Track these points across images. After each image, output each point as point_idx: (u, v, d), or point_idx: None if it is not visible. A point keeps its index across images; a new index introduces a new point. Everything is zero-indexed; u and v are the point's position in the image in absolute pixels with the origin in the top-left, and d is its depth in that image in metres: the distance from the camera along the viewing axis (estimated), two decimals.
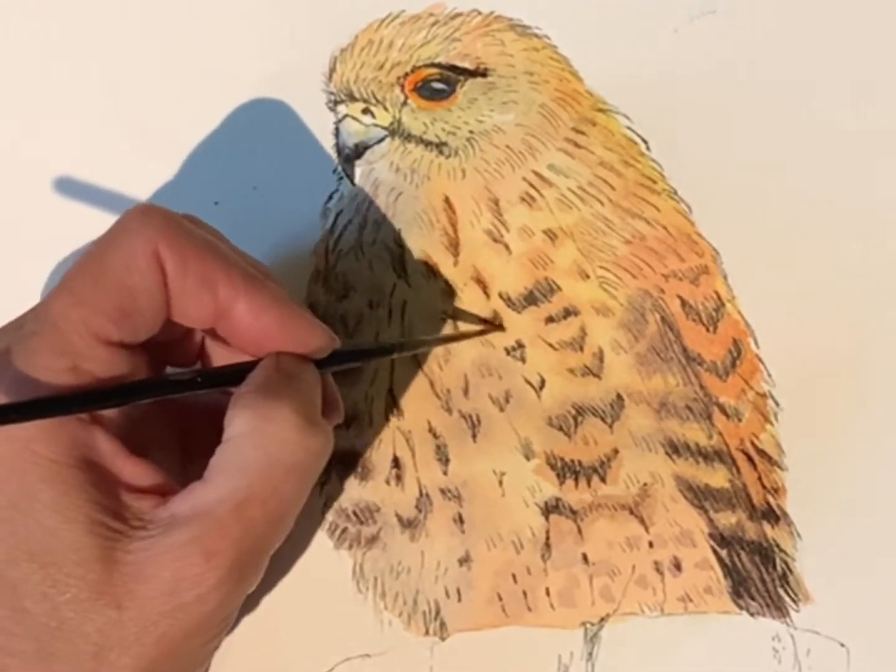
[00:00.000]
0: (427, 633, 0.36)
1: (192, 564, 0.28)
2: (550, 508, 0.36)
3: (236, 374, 0.31)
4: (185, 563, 0.28)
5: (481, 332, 0.37)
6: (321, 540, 0.37)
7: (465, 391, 0.37)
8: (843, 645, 0.36)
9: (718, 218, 0.37)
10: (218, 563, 0.28)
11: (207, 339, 0.33)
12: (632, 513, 0.36)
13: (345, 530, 0.37)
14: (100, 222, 0.39)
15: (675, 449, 0.36)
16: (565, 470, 0.36)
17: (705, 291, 0.37)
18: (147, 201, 0.39)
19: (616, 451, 0.36)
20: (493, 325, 0.37)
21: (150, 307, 0.29)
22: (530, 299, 0.37)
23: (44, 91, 0.40)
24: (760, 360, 0.37)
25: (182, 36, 0.40)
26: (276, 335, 0.31)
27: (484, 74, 0.38)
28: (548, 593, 0.36)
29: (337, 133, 0.38)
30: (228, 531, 0.28)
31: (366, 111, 0.38)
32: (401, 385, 0.37)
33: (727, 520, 0.36)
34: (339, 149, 0.38)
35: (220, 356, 0.33)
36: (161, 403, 0.33)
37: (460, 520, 0.36)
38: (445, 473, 0.37)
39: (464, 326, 0.37)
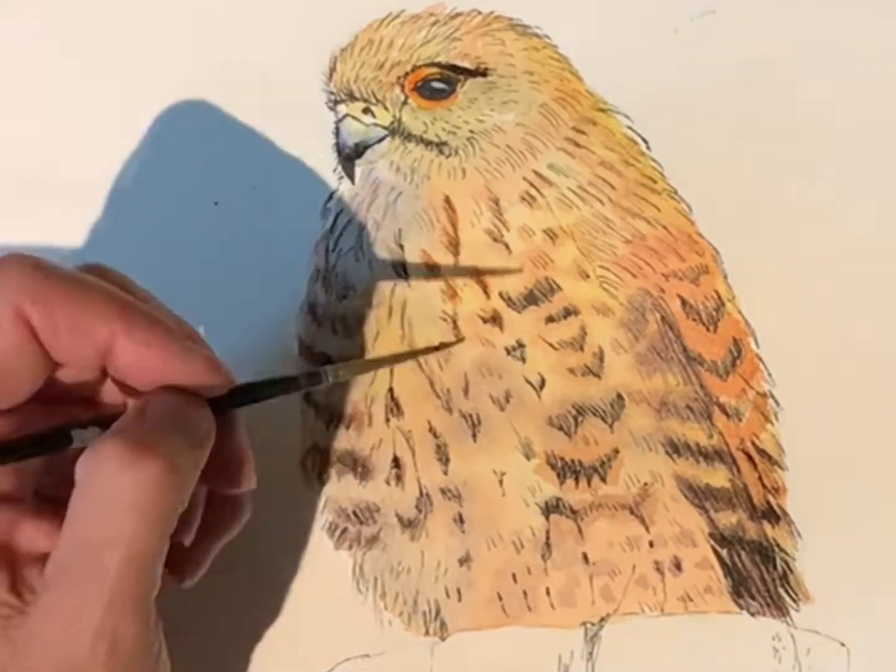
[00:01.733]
0: (427, 633, 0.36)
1: (70, 624, 0.27)
2: (551, 508, 0.36)
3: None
4: (63, 624, 0.27)
5: (429, 350, 0.37)
6: (321, 540, 0.37)
7: (466, 391, 0.37)
8: (843, 645, 0.36)
9: (718, 218, 0.37)
10: (88, 613, 0.27)
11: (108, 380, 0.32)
12: (632, 512, 0.36)
13: (345, 530, 0.37)
14: (101, 223, 0.40)
15: (675, 449, 0.36)
16: (565, 470, 0.36)
17: (705, 291, 0.37)
18: (142, 202, 0.39)
19: (616, 451, 0.36)
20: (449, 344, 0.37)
21: (24, 365, 0.28)
22: (530, 299, 0.37)
23: (43, 91, 0.40)
24: (760, 359, 0.37)
25: (182, 35, 0.40)
26: (160, 371, 0.29)
27: (484, 74, 0.37)
28: (548, 593, 0.36)
29: (337, 133, 0.38)
30: (85, 584, 0.27)
31: (366, 111, 0.38)
32: (401, 385, 0.37)
33: (727, 519, 0.36)
34: (339, 149, 0.38)
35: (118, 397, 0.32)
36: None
37: (460, 520, 0.36)
38: (445, 473, 0.37)
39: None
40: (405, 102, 0.37)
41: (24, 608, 0.28)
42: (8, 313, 0.28)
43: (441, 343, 0.37)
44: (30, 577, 0.28)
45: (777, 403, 0.37)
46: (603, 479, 0.36)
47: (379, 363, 0.37)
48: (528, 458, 0.36)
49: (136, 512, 0.28)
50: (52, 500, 0.30)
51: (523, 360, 0.37)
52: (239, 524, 0.33)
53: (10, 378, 0.29)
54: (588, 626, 0.36)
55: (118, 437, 0.28)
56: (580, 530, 0.36)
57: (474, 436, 0.37)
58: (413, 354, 0.37)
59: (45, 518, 0.29)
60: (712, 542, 0.36)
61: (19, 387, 0.29)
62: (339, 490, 0.37)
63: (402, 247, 0.38)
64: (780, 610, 0.36)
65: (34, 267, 0.29)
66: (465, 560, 0.36)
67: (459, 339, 0.37)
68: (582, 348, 0.36)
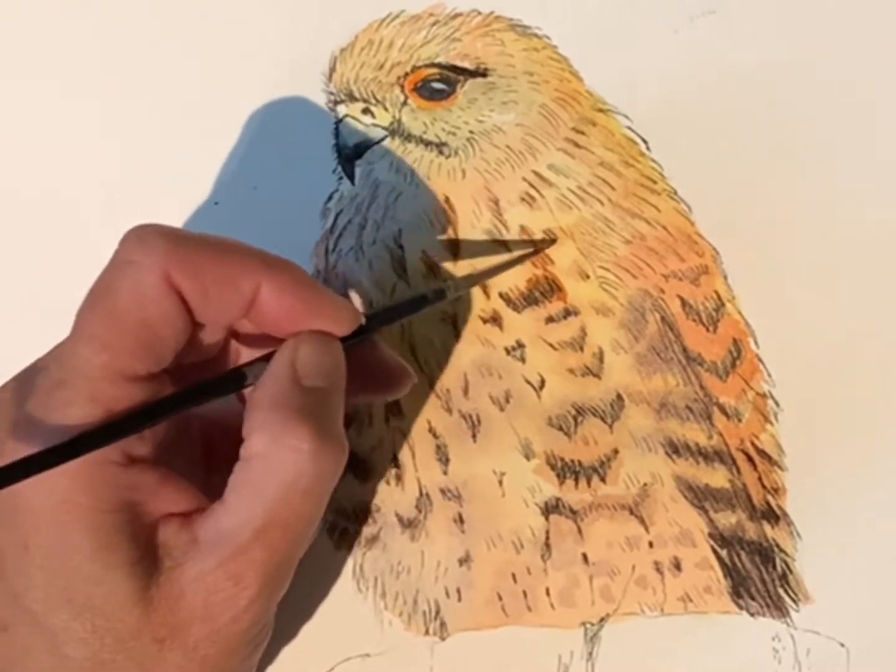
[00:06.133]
0: (427, 632, 0.36)
1: (222, 590, 0.28)
2: (550, 508, 0.36)
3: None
4: (215, 589, 0.28)
5: (534, 254, 0.37)
6: (321, 540, 0.37)
7: (465, 391, 0.37)
8: (843, 645, 0.36)
9: (718, 218, 0.37)
10: (247, 584, 0.29)
11: (232, 339, 0.33)
12: (632, 513, 0.36)
13: (345, 530, 0.37)
14: (100, 223, 0.39)
15: (675, 449, 0.36)
16: (565, 470, 0.36)
17: (705, 291, 0.37)
18: (142, 203, 0.39)
19: (616, 451, 0.36)
20: (544, 241, 0.37)
21: (171, 333, 0.29)
22: (530, 299, 0.37)
23: (43, 97, 0.40)
24: (760, 360, 0.37)
25: (181, 36, 0.40)
26: (300, 315, 0.30)
27: (484, 74, 0.38)
28: (548, 593, 0.36)
29: (337, 133, 0.38)
30: (253, 555, 0.28)
31: (366, 111, 0.38)
32: None
33: (727, 520, 0.36)
34: (339, 149, 0.38)
35: (244, 354, 0.32)
36: (186, 418, 0.33)
37: (460, 520, 0.37)
38: (445, 473, 0.37)
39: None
40: (405, 103, 0.38)
41: (162, 564, 0.28)
42: (156, 282, 0.28)
43: (538, 246, 0.37)
44: (166, 535, 0.29)
45: (777, 404, 0.37)
46: (602, 480, 0.36)
47: (490, 273, 0.37)
48: (527, 458, 0.36)
49: (313, 496, 0.29)
50: (169, 466, 0.30)
51: (523, 360, 0.37)
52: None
53: (157, 345, 0.29)
54: (588, 626, 0.36)
55: (300, 419, 0.28)
56: (580, 530, 0.36)
57: (474, 436, 0.37)
58: (518, 260, 0.37)
59: (169, 482, 0.30)
60: (712, 543, 0.36)
61: (164, 355, 0.29)
62: (339, 490, 0.37)
63: (401, 247, 0.38)
64: (779, 610, 0.36)
65: (174, 233, 0.29)
66: (464, 560, 0.36)
67: (553, 240, 0.37)
68: (582, 349, 0.37)
